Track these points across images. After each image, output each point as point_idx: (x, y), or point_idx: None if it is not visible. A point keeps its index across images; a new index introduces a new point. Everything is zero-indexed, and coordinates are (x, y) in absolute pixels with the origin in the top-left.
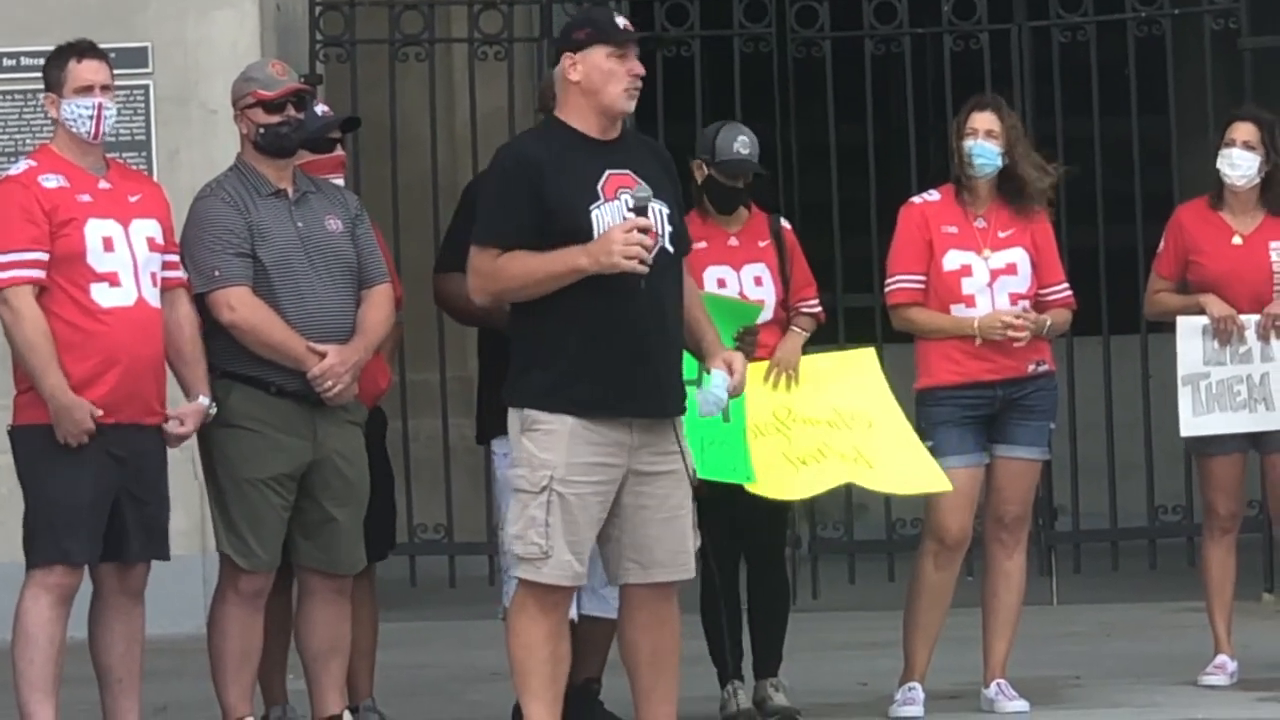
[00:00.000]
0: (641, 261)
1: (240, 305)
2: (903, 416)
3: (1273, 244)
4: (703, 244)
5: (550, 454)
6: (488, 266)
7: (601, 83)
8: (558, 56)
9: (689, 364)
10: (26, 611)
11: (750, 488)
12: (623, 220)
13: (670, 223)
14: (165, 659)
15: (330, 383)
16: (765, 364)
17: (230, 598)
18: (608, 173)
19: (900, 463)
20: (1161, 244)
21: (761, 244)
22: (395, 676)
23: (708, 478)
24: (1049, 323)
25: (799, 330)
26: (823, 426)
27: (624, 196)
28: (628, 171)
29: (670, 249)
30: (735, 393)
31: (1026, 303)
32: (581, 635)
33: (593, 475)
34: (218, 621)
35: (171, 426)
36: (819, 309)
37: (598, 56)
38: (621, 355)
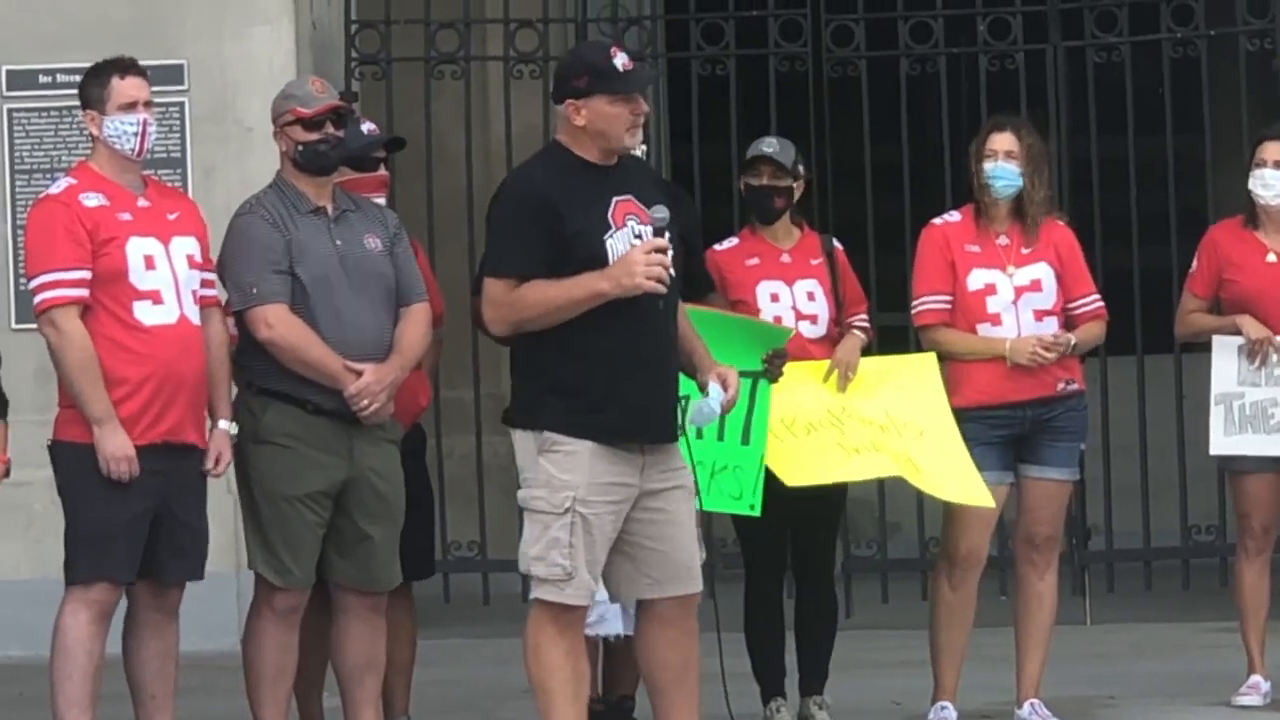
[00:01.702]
0: (659, 281)
1: (278, 322)
2: (955, 427)
3: None
4: (755, 260)
5: (571, 475)
6: (506, 297)
7: (606, 127)
8: (559, 99)
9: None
10: (66, 628)
11: (800, 477)
12: (634, 243)
13: (672, 244)
14: (199, 675)
15: (366, 401)
16: (824, 364)
17: (265, 614)
18: (614, 200)
19: (947, 472)
20: (1195, 263)
21: (814, 262)
22: (429, 693)
23: (711, 509)
24: (1073, 342)
25: (858, 334)
26: (876, 429)
27: (632, 225)
28: (630, 197)
29: (673, 272)
30: (728, 408)
31: (1054, 319)
32: (619, 653)
33: (610, 495)
34: (253, 638)
35: (209, 467)
36: (868, 325)
37: (600, 104)
38: (640, 380)
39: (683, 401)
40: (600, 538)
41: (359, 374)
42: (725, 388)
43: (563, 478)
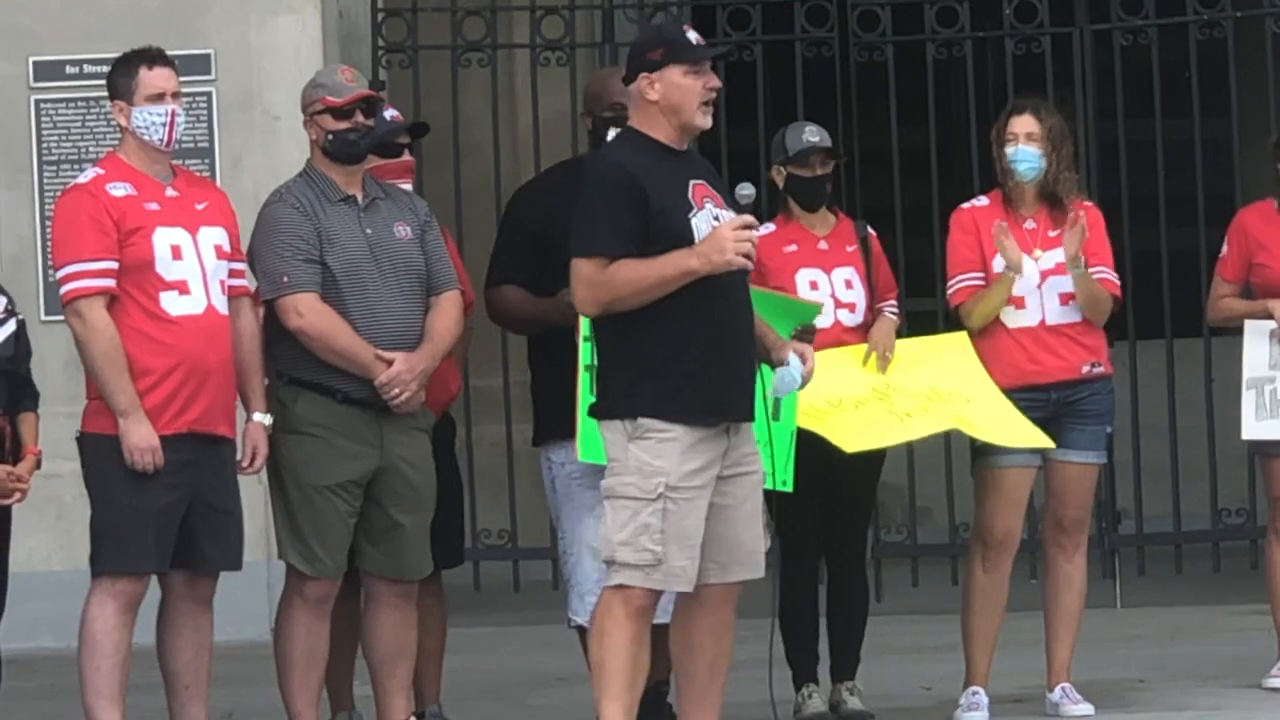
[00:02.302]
0: (748, 257)
1: (308, 311)
2: (999, 391)
3: None
4: (793, 247)
5: (664, 460)
6: (597, 277)
7: (680, 100)
8: (633, 75)
9: None
10: (93, 619)
11: (858, 443)
12: (713, 224)
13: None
14: (232, 665)
15: (397, 390)
16: (862, 347)
17: (296, 604)
18: (692, 182)
19: (1001, 423)
20: (1225, 247)
21: (849, 249)
22: (460, 681)
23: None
24: (1083, 260)
25: (891, 316)
26: (922, 398)
27: (710, 206)
28: (703, 181)
29: None
30: (808, 378)
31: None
32: (656, 638)
33: (700, 480)
34: (284, 627)
35: (244, 465)
36: (899, 312)
37: (674, 75)
38: (729, 359)
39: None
40: (693, 524)
41: (389, 363)
42: (804, 360)
43: (655, 464)
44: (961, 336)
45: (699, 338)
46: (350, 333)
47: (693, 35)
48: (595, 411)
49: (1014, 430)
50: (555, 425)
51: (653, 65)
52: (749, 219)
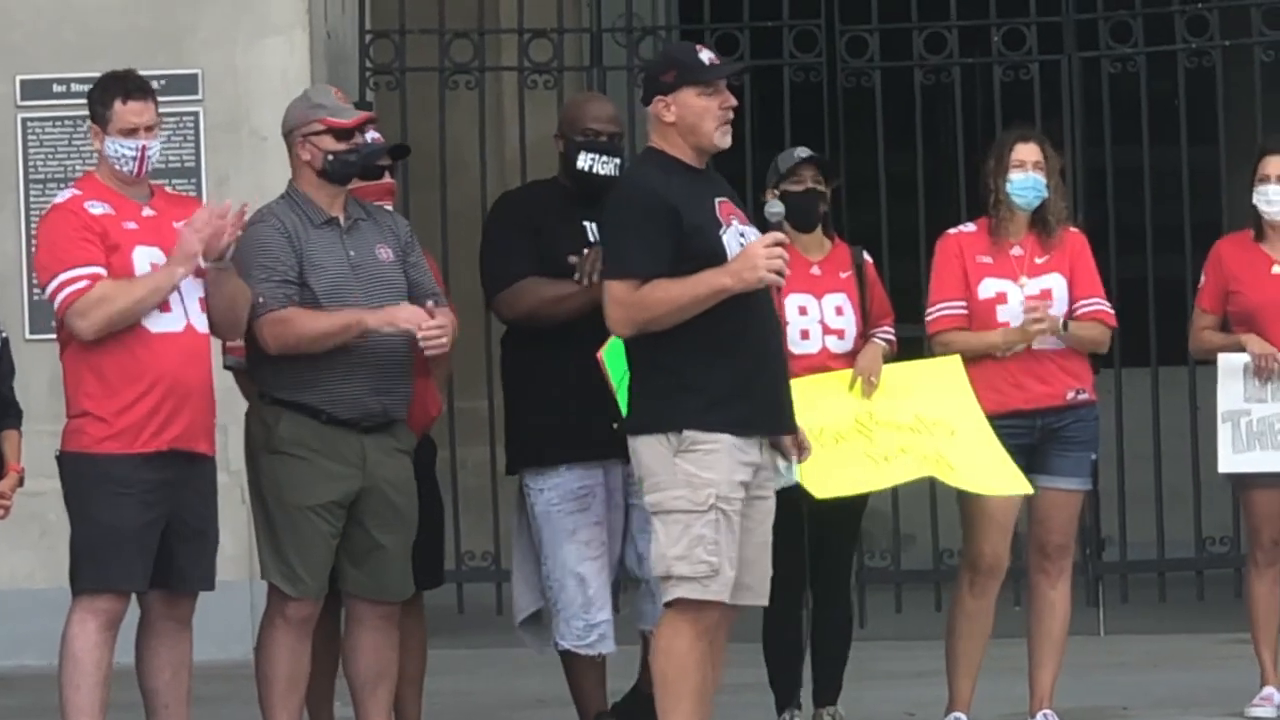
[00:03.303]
0: (779, 274)
1: (278, 319)
2: (986, 423)
3: None
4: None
5: (712, 472)
6: (631, 298)
7: (695, 122)
8: (649, 98)
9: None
10: (74, 637)
11: (829, 490)
12: (741, 242)
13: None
14: (213, 685)
15: (437, 333)
16: (848, 372)
17: (278, 624)
18: (716, 199)
19: (982, 466)
20: (1203, 277)
21: (843, 275)
22: (442, 703)
23: None
24: (1062, 323)
25: (880, 342)
26: (905, 431)
27: (735, 224)
28: (726, 198)
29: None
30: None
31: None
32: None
33: (741, 493)
34: (265, 648)
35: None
36: (893, 337)
37: (688, 96)
38: (767, 373)
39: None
40: (738, 534)
41: (370, 317)
42: (801, 448)
43: (705, 475)
44: (954, 360)
45: (736, 353)
46: (319, 313)
47: (705, 55)
48: (631, 427)
49: (993, 474)
50: (531, 452)
51: (666, 87)
52: (779, 236)
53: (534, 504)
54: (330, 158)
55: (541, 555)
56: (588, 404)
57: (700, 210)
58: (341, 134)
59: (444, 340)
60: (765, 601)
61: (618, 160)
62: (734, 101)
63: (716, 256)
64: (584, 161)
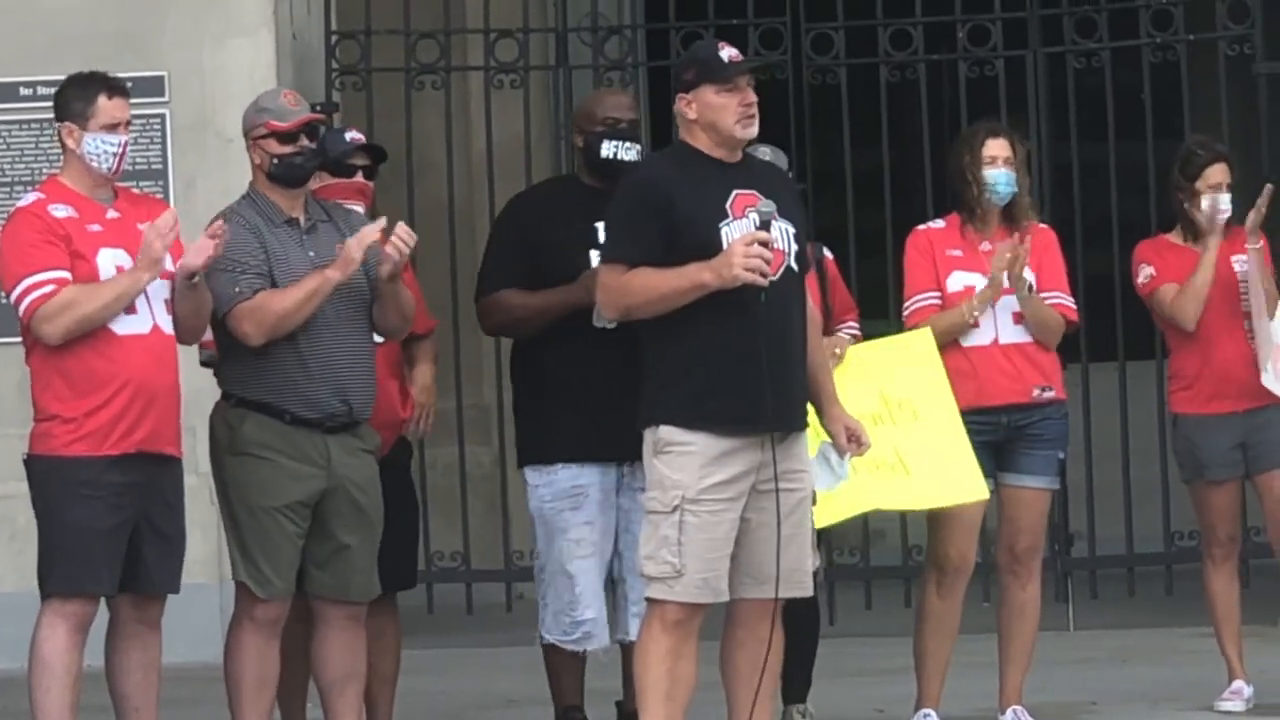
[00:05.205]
0: (762, 274)
1: (253, 306)
2: (954, 405)
3: (1234, 258)
4: None
5: (681, 474)
6: (614, 282)
7: (715, 118)
8: (674, 96)
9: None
10: (43, 640)
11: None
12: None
13: (796, 241)
14: (182, 687)
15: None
16: None
17: (247, 626)
18: (735, 192)
19: (939, 466)
20: (1144, 270)
21: None
22: (413, 703)
23: None
24: (1026, 284)
25: (845, 336)
26: (867, 421)
27: (750, 213)
28: (754, 191)
29: (795, 267)
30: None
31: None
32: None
33: (727, 492)
34: (234, 650)
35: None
36: (857, 332)
37: (707, 94)
38: (748, 372)
39: None
40: (718, 536)
41: (331, 271)
42: (858, 442)
43: (673, 477)
44: (925, 333)
45: (724, 347)
46: (282, 291)
47: (725, 53)
48: (637, 422)
49: (951, 477)
50: (533, 448)
51: (687, 85)
52: (761, 234)
53: (530, 500)
54: (275, 161)
55: (536, 549)
56: (588, 404)
57: (703, 202)
58: (285, 137)
59: (409, 242)
60: (806, 592)
61: (639, 147)
62: (754, 99)
63: (710, 247)
64: (608, 149)
